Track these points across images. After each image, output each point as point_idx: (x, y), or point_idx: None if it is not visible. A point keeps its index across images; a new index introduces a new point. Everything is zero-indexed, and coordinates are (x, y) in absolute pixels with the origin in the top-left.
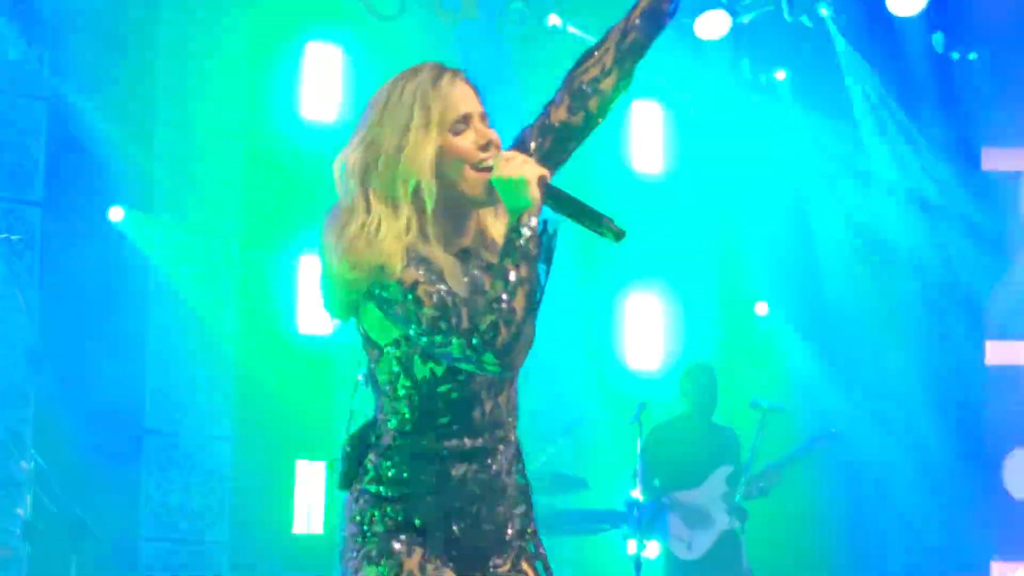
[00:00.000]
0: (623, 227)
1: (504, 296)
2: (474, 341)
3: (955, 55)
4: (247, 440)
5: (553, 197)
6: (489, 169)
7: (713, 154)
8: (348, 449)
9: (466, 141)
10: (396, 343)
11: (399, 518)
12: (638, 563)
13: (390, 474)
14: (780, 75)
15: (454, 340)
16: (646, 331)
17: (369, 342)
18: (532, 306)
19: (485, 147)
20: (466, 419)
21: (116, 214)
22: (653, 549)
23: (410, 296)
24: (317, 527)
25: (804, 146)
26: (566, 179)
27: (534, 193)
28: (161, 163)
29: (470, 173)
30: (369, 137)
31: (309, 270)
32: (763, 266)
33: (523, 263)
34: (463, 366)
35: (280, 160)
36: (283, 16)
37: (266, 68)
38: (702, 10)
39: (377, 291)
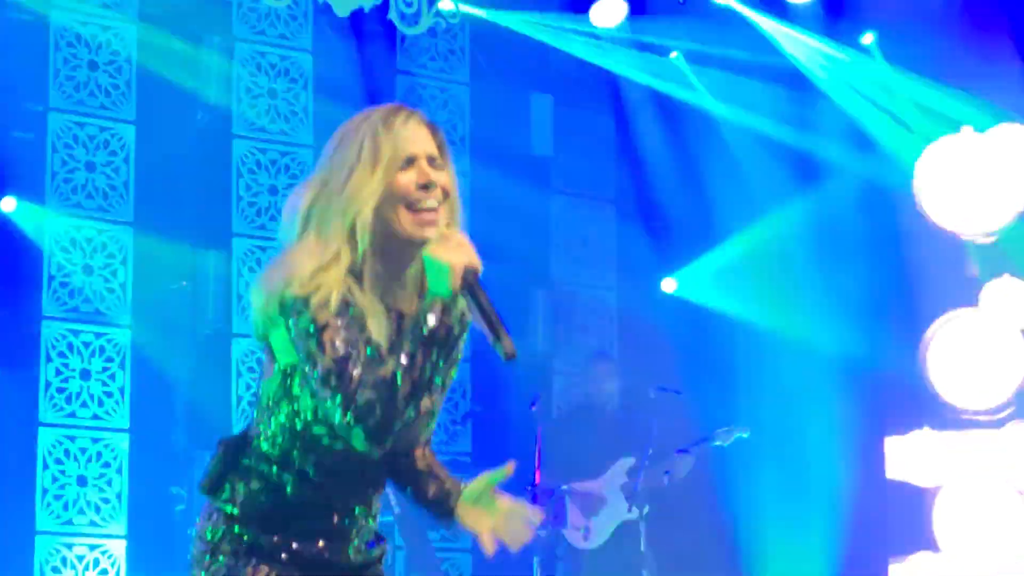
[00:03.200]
0: (516, 351)
1: (389, 378)
2: (348, 414)
3: (856, 40)
4: (145, 433)
5: (472, 294)
6: (425, 210)
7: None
8: (219, 454)
9: (406, 179)
10: (293, 368)
11: (248, 540)
12: (536, 552)
13: (245, 497)
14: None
15: (336, 403)
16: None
17: (269, 355)
18: (417, 394)
19: (424, 187)
20: (332, 475)
21: (8, 204)
22: (551, 538)
23: (314, 340)
24: None
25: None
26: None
27: (454, 283)
28: (53, 152)
29: (404, 213)
30: (319, 177)
31: (208, 262)
32: (666, 249)
33: (419, 350)
34: (337, 431)
35: (176, 147)
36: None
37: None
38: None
39: (291, 316)
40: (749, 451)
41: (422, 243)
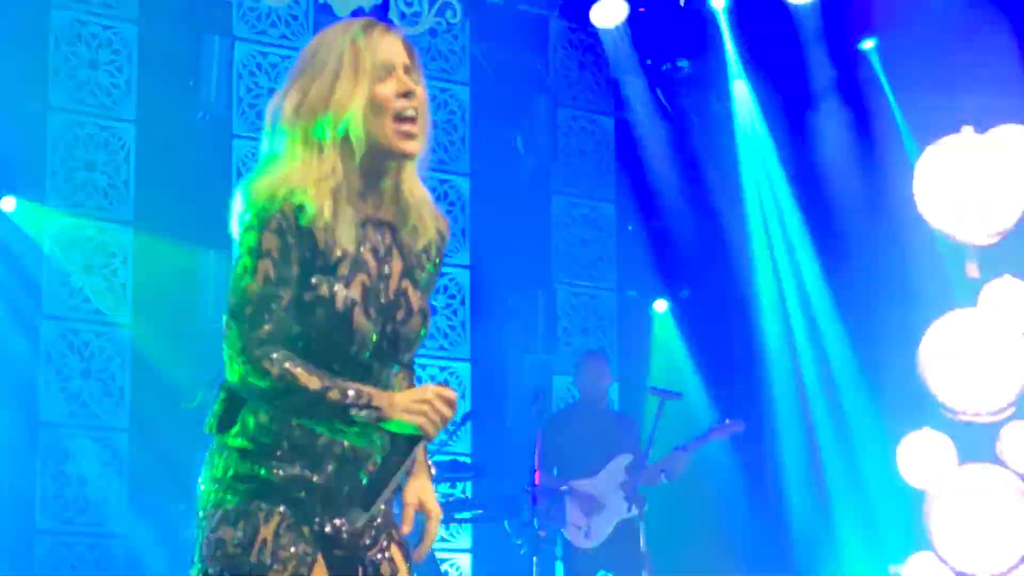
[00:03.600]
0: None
1: (308, 386)
2: (245, 359)
3: (858, 43)
4: (144, 432)
5: (401, 455)
6: (408, 119)
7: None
8: (224, 394)
9: (387, 89)
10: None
11: (262, 476)
12: (536, 551)
13: (256, 429)
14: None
15: (235, 337)
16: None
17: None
18: (302, 414)
19: (405, 95)
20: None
21: (8, 203)
22: (552, 537)
23: (251, 256)
24: None
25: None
26: None
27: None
28: (53, 151)
29: (388, 123)
30: (299, 84)
31: (207, 261)
32: (663, 255)
33: (345, 424)
34: (225, 355)
35: (176, 148)
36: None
37: (160, 56)
38: None
39: (245, 225)
40: (749, 450)
41: (402, 156)
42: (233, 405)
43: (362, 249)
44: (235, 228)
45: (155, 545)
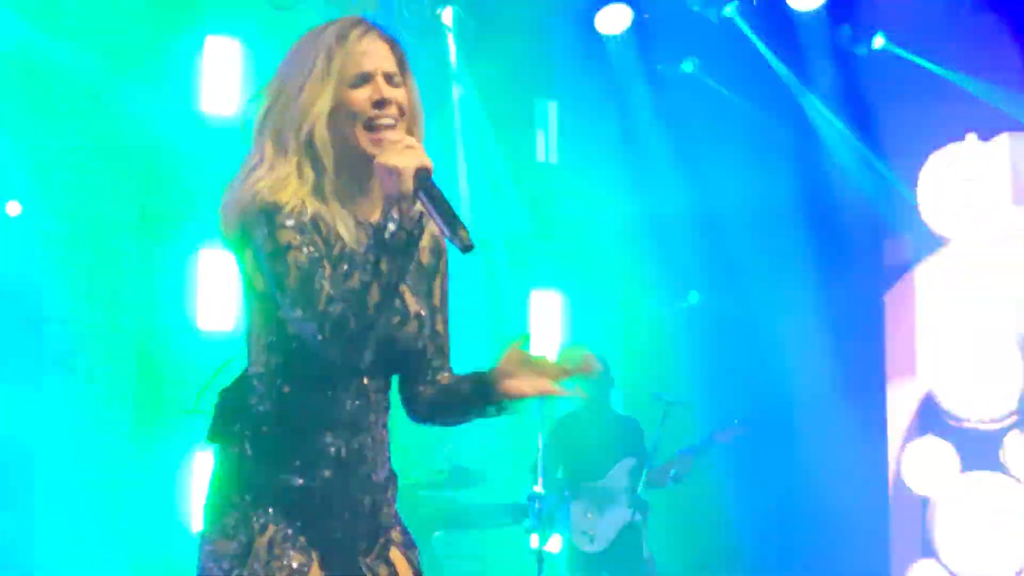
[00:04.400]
0: (474, 242)
1: (358, 287)
2: (322, 331)
3: (863, 50)
4: (146, 437)
5: (427, 191)
6: (381, 127)
7: (610, 148)
8: (219, 401)
9: (360, 96)
10: (266, 295)
11: (259, 484)
12: (540, 557)
13: (253, 436)
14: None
15: (308, 320)
16: (548, 326)
17: (248, 286)
18: (387, 301)
19: (379, 104)
20: (329, 398)
21: (13, 208)
22: (556, 543)
23: (278, 260)
24: None
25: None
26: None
27: (406, 185)
28: (57, 156)
29: (361, 130)
30: (274, 86)
31: (208, 265)
32: (664, 259)
33: (384, 257)
34: (314, 348)
35: (178, 155)
36: (181, 9)
37: (163, 61)
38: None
39: (251, 238)
40: (753, 456)
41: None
42: (228, 413)
43: (358, 235)
44: (228, 232)
45: None
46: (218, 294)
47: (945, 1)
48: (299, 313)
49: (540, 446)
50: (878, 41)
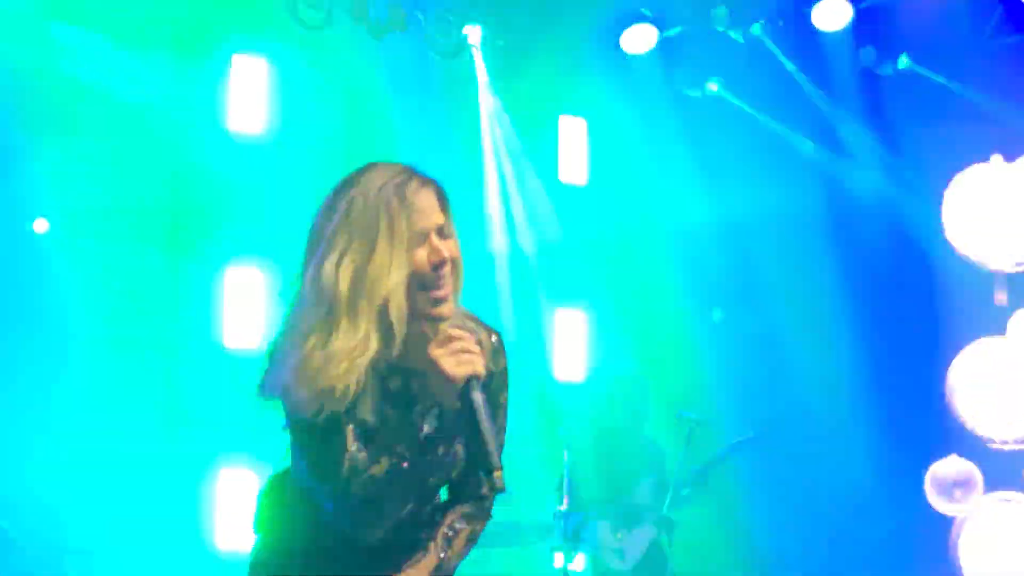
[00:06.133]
0: (505, 486)
1: (380, 476)
2: (342, 510)
3: (887, 70)
4: (170, 454)
5: (468, 407)
6: (438, 289)
7: (637, 167)
8: (265, 489)
9: (421, 258)
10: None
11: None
12: (566, 575)
13: (287, 532)
14: (712, 87)
15: (329, 495)
16: (573, 344)
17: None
18: (411, 485)
19: (437, 266)
20: (362, 518)
21: (40, 225)
22: (580, 561)
23: (306, 435)
24: (241, 542)
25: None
26: None
27: (450, 400)
28: (85, 174)
29: (420, 294)
30: (337, 243)
31: (235, 283)
32: (690, 277)
33: (409, 451)
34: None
35: (206, 173)
36: (208, 28)
37: (191, 80)
38: (628, 24)
39: (289, 410)
40: (776, 474)
41: (434, 320)
42: (271, 508)
43: (384, 409)
44: (272, 391)
45: None
46: (245, 312)
47: (969, 22)
48: (323, 488)
49: (565, 464)
50: (903, 61)
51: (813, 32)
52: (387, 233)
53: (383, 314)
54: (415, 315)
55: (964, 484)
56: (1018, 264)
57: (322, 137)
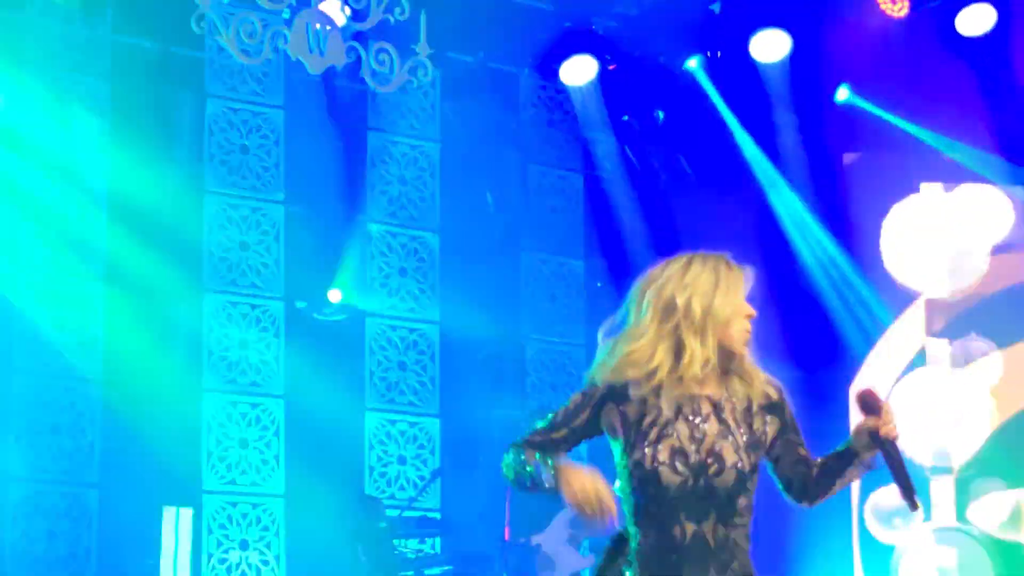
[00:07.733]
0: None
1: (529, 468)
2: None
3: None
4: (114, 487)
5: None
6: (746, 331)
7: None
8: (609, 545)
9: (744, 310)
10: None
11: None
12: None
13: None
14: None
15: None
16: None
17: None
18: (518, 485)
19: (749, 317)
20: (673, 535)
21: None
22: None
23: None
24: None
25: None
26: None
27: (869, 454)
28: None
29: (737, 335)
30: (682, 292)
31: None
32: None
33: (526, 485)
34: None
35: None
36: None
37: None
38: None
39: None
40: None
41: (739, 355)
42: (610, 558)
43: (677, 420)
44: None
45: None
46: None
47: (907, 56)
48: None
49: (507, 497)
50: (842, 93)
51: (752, 64)
52: (724, 286)
53: (720, 348)
54: (728, 350)
55: (904, 513)
56: (954, 293)
57: None
